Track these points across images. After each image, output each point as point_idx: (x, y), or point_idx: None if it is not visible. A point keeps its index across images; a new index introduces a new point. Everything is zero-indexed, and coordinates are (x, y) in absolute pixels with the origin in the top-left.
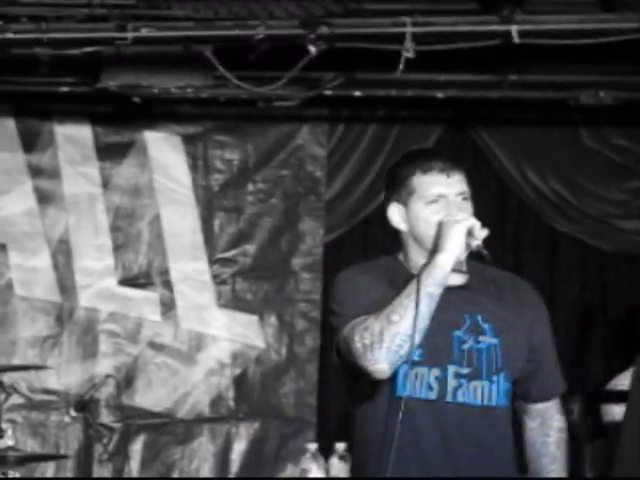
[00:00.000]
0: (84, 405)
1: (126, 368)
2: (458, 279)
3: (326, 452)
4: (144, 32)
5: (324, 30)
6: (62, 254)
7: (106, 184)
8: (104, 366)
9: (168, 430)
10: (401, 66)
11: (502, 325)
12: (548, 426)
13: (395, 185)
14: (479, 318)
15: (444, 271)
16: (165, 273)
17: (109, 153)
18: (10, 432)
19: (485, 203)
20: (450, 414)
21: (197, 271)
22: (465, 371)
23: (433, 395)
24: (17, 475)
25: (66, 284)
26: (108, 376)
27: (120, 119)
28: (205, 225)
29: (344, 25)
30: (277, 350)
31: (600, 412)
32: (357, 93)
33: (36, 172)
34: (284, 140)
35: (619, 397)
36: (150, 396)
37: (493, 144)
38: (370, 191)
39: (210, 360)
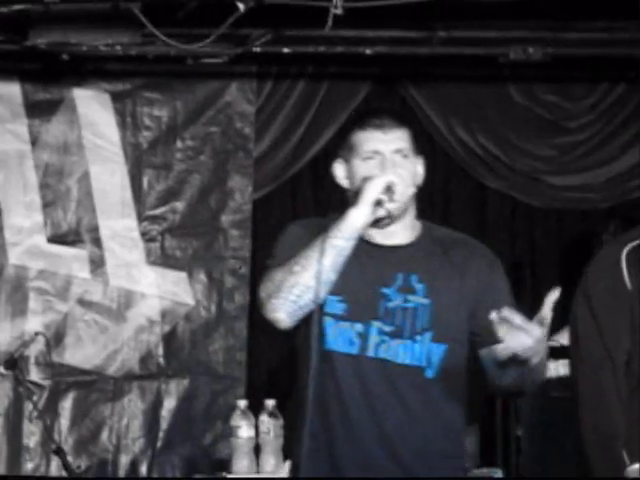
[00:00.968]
0: (14, 363)
1: (56, 325)
2: (402, 237)
3: (256, 409)
4: None
5: None
6: None
7: (35, 141)
8: (34, 323)
9: (98, 387)
10: (329, 22)
11: (438, 286)
12: None
13: (339, 142)
14: (413, 277)
15: (354, 225)
16: (94, 230)
17: (38, 111)
18: None
19: None
20: (371, 369)
21: (126, 228)
22: (388, 329)
23: (355, 350)
24: None
25: None
26: (37, 333)
27: (49, 77)
28: (134, 182)
29: None
30: (206, 307)
31: None
32: (286, 50)
33: None
34: (212, 97)
35: (552, 353)
36: (80, 353)
37: (422, 101)
38: (299, 148)
39: (139, 317)
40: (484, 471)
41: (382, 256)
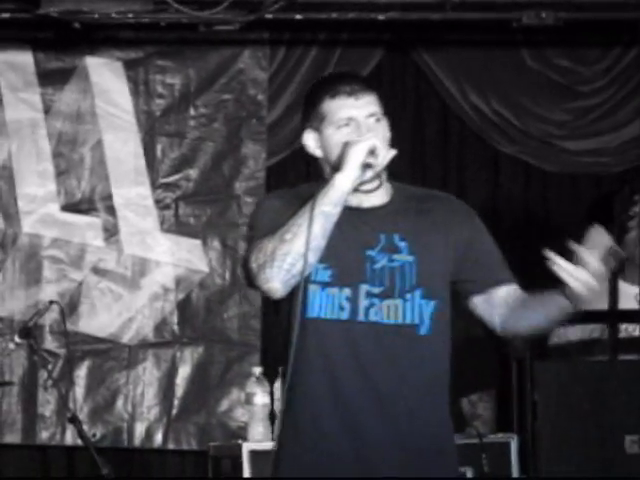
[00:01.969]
0: (28, 331)
1: (70, 294)
2: (378, 199)
3: (271, 376)
4: None
5: None
6: (4, 180)
7: (48, 110)
8: (48, 292)
9: (112, 355)
10: None
11: (420, 242)
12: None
13: (308, 112)
14: (395, 236)
15: (340, 190)
16: (108, 198)
17: (50, 79)
18: None
19: (427, 125)
20: (362, 333)
21: (140, 196)
22: (377, 290)
23: (345, 315)
24: None
25: (9, 210)
26: (52, 302)
27: (61, 45)
28: (147, 150)
29: None
30: (221, 274)
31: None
32: (298, 16)
33: None
34: (225, 64)
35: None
36: (94, 322)
37: (435, 66)
38: None
39: (154, 285)
40: (499, 436)
41: (361, 219)
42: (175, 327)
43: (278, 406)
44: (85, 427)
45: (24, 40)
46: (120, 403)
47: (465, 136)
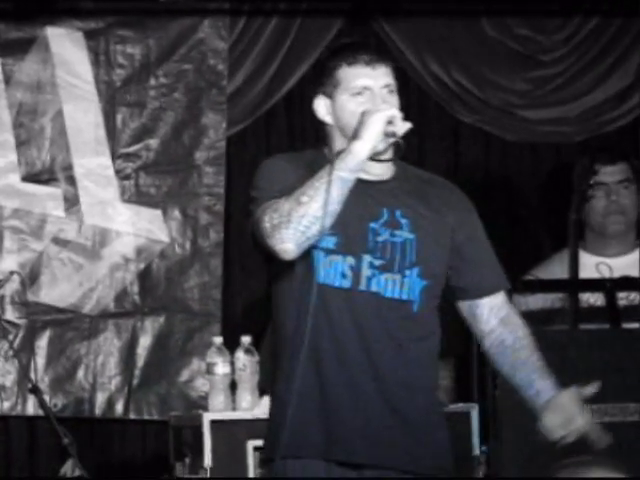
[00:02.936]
0: None
1: (31, 264)
2: (382, 173)
3: (231, 346)
4: None
5: None
6: None
7: (8, 80)
8: (8, 263)
9: (73, 326)
10: None
11: (420, 222)
12: (511, 323)
13: (322, 77)
14: (398, 212)
15: (358, 158)
16: (68, 169)
17: (10, 49)
18: None
19: None
20: (363, 302)
21: (100, 166)
22: (378, 262)
23: (347, 283)
24: None
25: None
26: (12, 272)
27: (21, 15)
28: (108, 120)
29: None
30: (181, 244)
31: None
32: None
33: None
34: (185, 34)
35: (526, 287)
36: (55, 292)
37: (395, 36)
38: (272, 84)
39: (114, 255)
40: (460, 405)
41: (365, 191)
42: (136, 297)
43: (240, 375)
44: (46, 397)
45: None
46: (81, 373)
47: (425, 106)
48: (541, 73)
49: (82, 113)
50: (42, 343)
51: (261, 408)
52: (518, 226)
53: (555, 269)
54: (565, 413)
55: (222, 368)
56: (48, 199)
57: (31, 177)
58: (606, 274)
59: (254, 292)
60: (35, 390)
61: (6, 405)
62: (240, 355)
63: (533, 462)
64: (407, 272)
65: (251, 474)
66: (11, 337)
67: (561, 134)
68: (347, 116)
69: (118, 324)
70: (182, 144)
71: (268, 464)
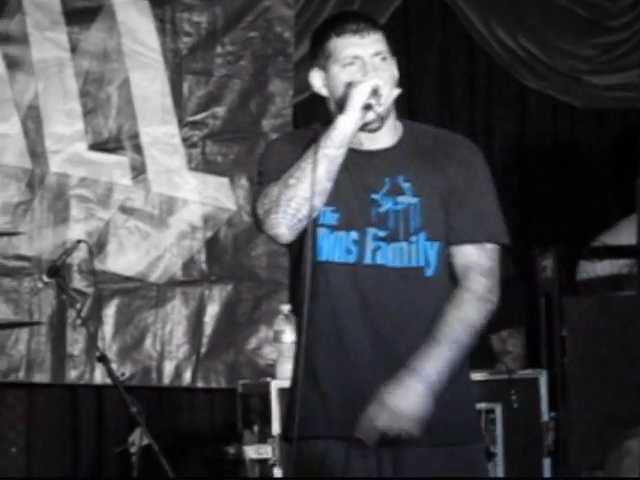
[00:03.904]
0: (56, 270)
1: (98, 233)
2: (384, 141)
3: (299, 313)
4: None
5: None
6: (32, 120)
7: (74, 49)
8: (76, 231)
9: (141, 294)
10: None
11: (423, 184)
12: (463, 286)
13: (315, 50)
14: (400, 178)
15: (343, 132)
16: (135, 137)
17: (77, 18)
18: None
19: (454, 62)
20: (368, 276)
21: (167, 134)
22: (383, 234)
23: (352, 258)
24: None
25: (36, 150)
26: (80, 241)
27: None
28: (174, 88)
29: None
30: (248, 212)
31: (576, 269)
32: None
33: (4, 39)
34: (252, 2)
35: (594, 253)
36: (122, 260)
37: (461, 2)
38: None
39: (181, 223)
40: (528, 372)
41: (368, 162)
42: (203, 265)
43: None
44: (114, 366)
45: None
46: (149, 342)
47: (492, 72)
48: (608, 39)
49: (148, 81)
50: (110, 312)
51: None
52: (585, 192)
53: (622, 235)
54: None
55: (290, 336)
56: (115, 167)
57: (98, 146)
58: None
59: None
60: (103, 359)
61: (74, 374)
62: None
63: (601, 428)
64: (413, 238)
65: None
66: (79, 306)
67: (628, 100)
68: (339, 87)
69: (186, 292)
70: (249, 112)
71: (287, 444)
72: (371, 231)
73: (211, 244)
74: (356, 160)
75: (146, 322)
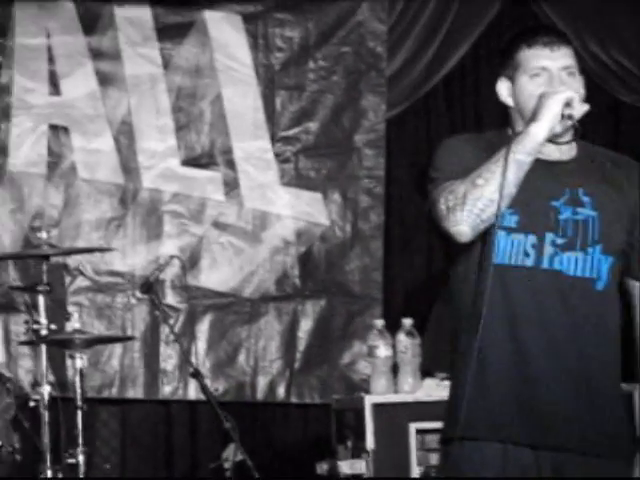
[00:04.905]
0: (149, 286)
1: (191, 248)
2: (563, 155)
3: (392, 328)
4: None
5: None
6: (124, 136)
7: (167, 65)
8: (169, 247)
9: (234, 309)
10: None
11: (603, 199)
12: None
13: (503, 60)
14: (580, 191)
15: (535, 140)
16: (228, 152)
17: (169, 34)
18: (76, 315)
19: None
20: (545, 281)
21: (260, 150)
22: (560, 241)
23: (530, 261)
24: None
25: (129, 165)
26: (173, 257)
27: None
28: (267, 104)
29: None
30: (341, 227)
31: None
32: None
33: (97, 54)
34: (344, 17)
35: None
36: (215, 276)
37: (554, 16)
38: (431, 65)
39: (275, 239)
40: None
41: (548, 170)
42: (296, 280)
43: (401, 358)
44: (207, 381)
45: None
46: (242, 357)
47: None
48: None
49: (241, 97)
50: (203, 327)
51: (423, 390)
52: None
53: None
54: None
55: (384, 351)
56: (208, 183)
57: (191, 161)
58: None
59: (415, 274)
60: (196, 374)
61: (168, 389)
62: (402, 337)
63: None
64: (589, 250)
65: (413, 457)
66: (172, 321)
67: None
68: (525, 97)
69: (279, 307)
70: (341, 127)
71: (445, 445)
72: (550, 236)
73: (304, 259)
74: (536, 168)
75: (239, 337)
